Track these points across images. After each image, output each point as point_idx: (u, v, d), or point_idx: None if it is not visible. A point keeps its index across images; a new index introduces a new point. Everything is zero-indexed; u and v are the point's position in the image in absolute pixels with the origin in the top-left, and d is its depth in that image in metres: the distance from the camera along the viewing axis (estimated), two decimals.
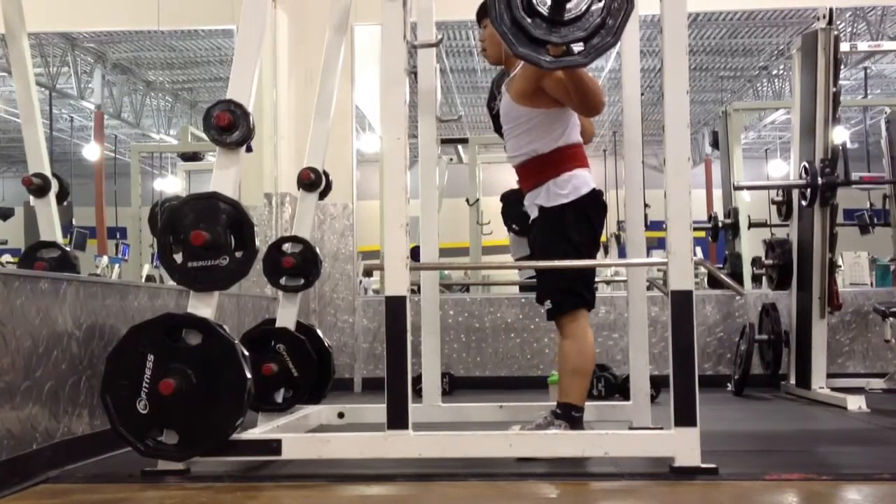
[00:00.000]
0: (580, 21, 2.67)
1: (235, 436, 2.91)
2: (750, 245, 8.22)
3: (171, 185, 11.83)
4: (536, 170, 3.33)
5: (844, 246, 6.89)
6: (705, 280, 8.00)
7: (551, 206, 3.29)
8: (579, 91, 3.12)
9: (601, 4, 2.67)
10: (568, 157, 3.32)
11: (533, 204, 3.37)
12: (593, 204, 3.32)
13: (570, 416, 3.21)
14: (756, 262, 7.06)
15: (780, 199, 5.95)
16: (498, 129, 3.66)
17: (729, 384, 5.97)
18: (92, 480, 2.90)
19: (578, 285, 3.30)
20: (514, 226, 5.68)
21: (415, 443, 2.87)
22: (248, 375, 2.86)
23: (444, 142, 8.82)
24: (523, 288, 6.66)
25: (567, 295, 3.29)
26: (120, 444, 3.02)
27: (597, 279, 7.11)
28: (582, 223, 3.29)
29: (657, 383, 4.27)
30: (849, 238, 7.39)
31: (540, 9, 2.67)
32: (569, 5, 2.66)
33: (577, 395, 3.24)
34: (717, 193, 10.98)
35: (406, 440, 2.85)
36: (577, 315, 3.28)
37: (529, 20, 2.68)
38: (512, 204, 5.53)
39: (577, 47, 2.72)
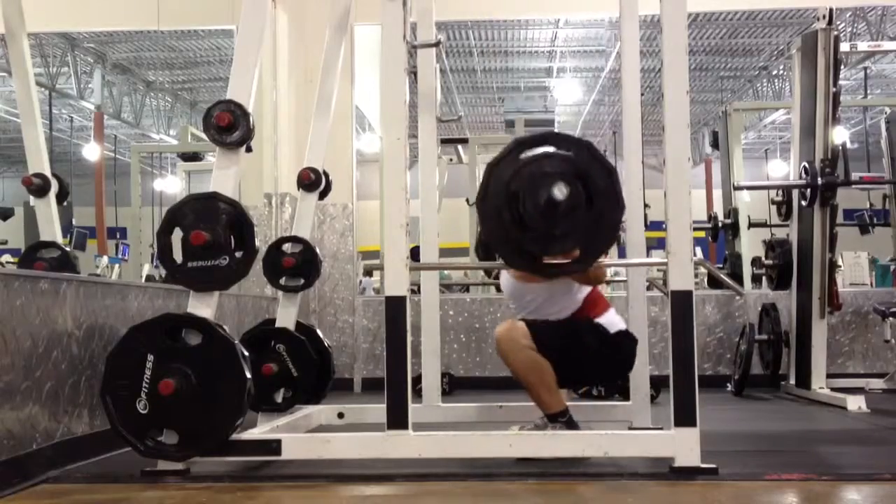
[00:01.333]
0: (573, 233, 2.71)
1: (235, 436, 2.91)
2: (750, 245, 8.22)
3: (171, 185, 11.84)
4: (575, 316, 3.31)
5: (844, 246, 6.90)
6: (705, 280, 7.99)
7: (611, 331, 3.28)
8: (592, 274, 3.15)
9: (592, 212, 2.70)
10: (594, 304, 3.32)
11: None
12: (631, 340, 3.33)
13: (557, 421, 3.22)
14: (756, 262, 7.06)
15: (780, 199, 5.94)
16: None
17: (729, 384, 5.97)
18: (92, 480, 2.90)
19: (564, 365, 3.23)
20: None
21: (415, 443, 2.87)
22: (248, 375, 2.86)
23: (444, 142, 8.83)
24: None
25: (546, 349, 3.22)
26: (120, 444, 3.02)
27: None
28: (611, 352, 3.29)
29: (657, 383, 4.27)
30: (849, 238, 7.39)
31: (533, 225, 2.71)
32: (560, 220, 2.69)
33: (551, 403, 3.22)
34: (717, 193, 10.98)
35: (406, 440, 2.85)
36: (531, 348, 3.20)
37: (524, 237, 2.74)
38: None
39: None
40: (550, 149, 2.77)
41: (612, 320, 3.32)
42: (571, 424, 3.21)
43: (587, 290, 3.35)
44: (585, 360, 3.27)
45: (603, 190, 2.72)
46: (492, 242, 2.78)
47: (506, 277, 3.43)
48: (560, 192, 2.65)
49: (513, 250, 2.77)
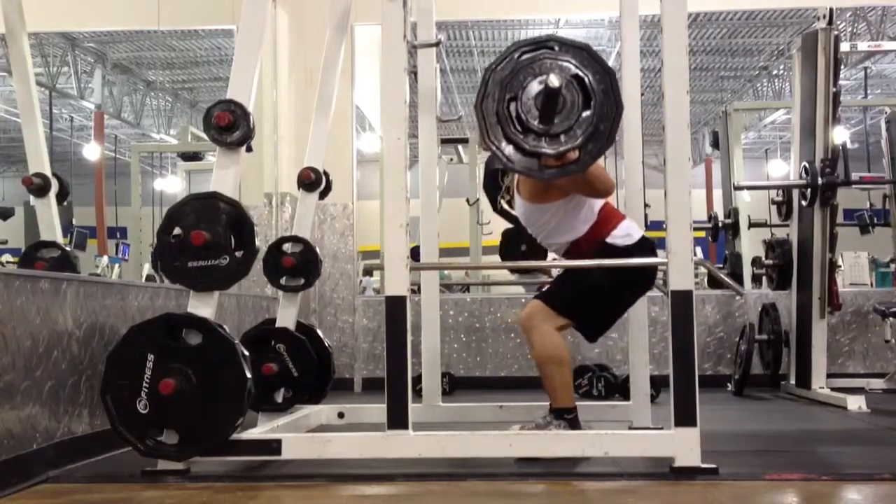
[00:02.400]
0: (572, 131, 2.70)
1: (235, 436, 2.91)
2: (750, 245, 8.22)
3: (171, 184, 11.84)
4: (584, 247, 3.28)
5: (844, 246, 6.89)
6: (705, 280, 7.99)
7: (620, 244, 3.23)
8: (586, 183, 3.11)
9: (591, 111, 2.69)
10: (605, 221, 3.29)
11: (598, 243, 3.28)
12: (647, 248, 3.29)
13: (563, 418, 3.21)
14: (756, 262, 7.06)
15: (780, 199, 5.94)
16: (511, 219, 3.64)
17: (729, 384, 5.97)
18: (92, 480, 2.90)
19: (587, 315, 3.26)
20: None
21: (415, 443, 2.87)
22: (248, 375, 2.86)
23: (444, 142, 8.83)
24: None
25: (571, 308, 3.23)
26: (120, 444, 3.02)
27: None
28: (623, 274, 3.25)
29: (657, 383, 4.27)
30: (849, 238, 7.39)
31: (531, 124, 2.70)
32: (558, 118, 2.69)
33: (562, 398, 3.22)
34: (717, 193, 10.98)
35: (406, 440, 2.85)
36: (550, 324, 3.21)
37: (521, 136, 2.72)
38: (511, 241, 5.56)
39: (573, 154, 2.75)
40: (549, 51, 2.75)
41: (623, 233, 3.26)
42: (575, 424, 3.20)
43: (600, 204, 3.31)
44: (604, 299, 3.24)
45: (602, 90, 2.71)
46: (490, 143, 2.75)
47: (520, 202, 3.38)
48: (556, 81, 2.63)
49: (511, 150, 2.73)
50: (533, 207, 3.31)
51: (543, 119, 2.69)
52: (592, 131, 2.71)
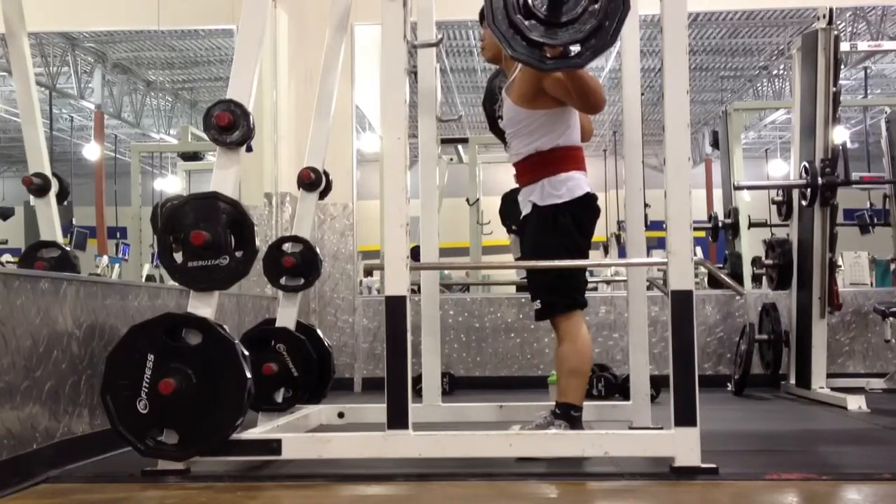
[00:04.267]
0: (577, 23, 2.68)
1: (235, 436, 2.91)
2: (750, 245, 8.22)
3: (171, 184, 11.84)
4: (534, 166, 3.33)
5: (844, 246, 6.89)
6: (705, 280, 7.99)
7: (544, 204, 3.29)
8: (579, 90, 3.12)
9: (597, 6, 2.67)
10: (566, 158, 3.32)
11: (527, 200, 3.37)
12: (585, 207, 3.32)
13: (569, 415, 3.21)
14: (756, 262, 7.06)
15: (780, 199, 5.95)
16: (494, 129, 3.66)
17: (729, 384, 5.97)
18: (92, 480, 2.90)
19: (569, 286, 3.31)
20: (513, 226, 5.67)
21: (415, 443, 2.87)
22: (248, 375, 2.86)
23: (444, 142, 8.81)
24: (520, 288, 6.66)
25: (558, 296, 3.30)
26: (120, 444, 3.02)
27: (597, 279, 7.14)
28: (573, 225, 3.29)
29: (657, 383, 4.27)
30: (849, 238, 7.39)
31: (537, 12, 2.68)
32: (565, 7, 2.67)
33: (576, 395, 3.25)
34: (717, 193, 10.97)
35: (406, 440, 2.85)
36: (571, 316, 3.29)
37: (526, 23, 2.69)
38: (511, 203, 5.53)
39: (575, 48, 2.73)
40: None
41: (561, 188, 3.28)
42: (576, 424, 3.21)
43: (576, 129, 3.35)
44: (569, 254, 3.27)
45: None
46: (495, 29, 2.71)
47: (508, 104, 3.39)
48: None
49: (515, 37, 2.71)
50: (518, 109, 3.33)
51: (550, 8, 2.66)
52: (597, 25, 2.67)
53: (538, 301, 3.33)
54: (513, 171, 3.47)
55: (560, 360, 3.30)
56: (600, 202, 3.42)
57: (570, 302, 3.31)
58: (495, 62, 3.61)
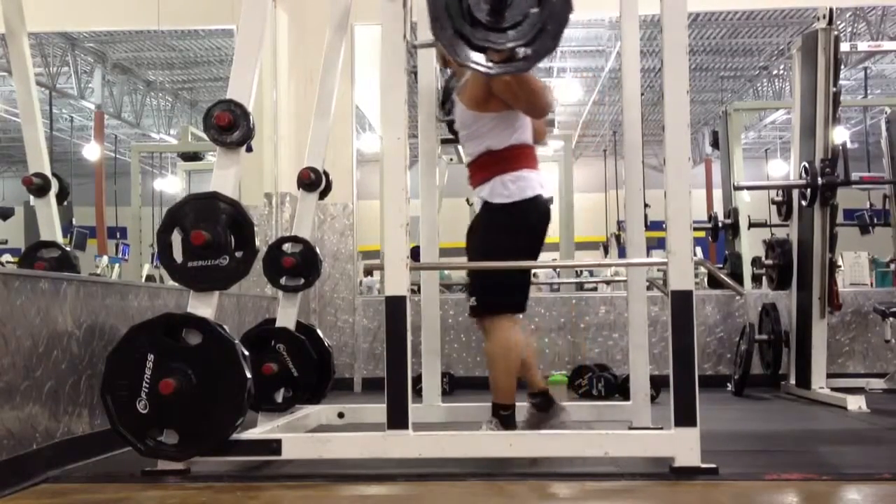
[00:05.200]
0: (520, 27, 2.68)
1: (235, 436, 2.91)
2: (750, 245, 8.22)
3: (171, 184, 11.84)
4: (486, 165, 3.36)
5: (844, 246, 6.89)
6: (705, 280, 8.00)
7: (494, 202, 3.31)
8: (526, 94, 3.18)
9: (539, 10, 2.68)
10: (518, 157, 3.34)
11: (478, 198, 3.40)
12: (535, 208, 3.32)
13: (499, 415, 3.27)
14: (756, 262, 7.06)
15: (780, 199, 5.94)
16: (451, 130, 3.71)
17: (729, 384, 5.97)
18: (92, 480, 2.90)
19: (505, 288, 3.32)
20: None
21: (415, 443, 2.87)
22: (248, 375, 2.86)
23: (444, 142, 8.80)
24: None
25: (491, 296, 3.31)
26: (120, 444, 3.02)
27: (597, 279, 7.12)
28: (520, 226, 3.30)
29: (657, 383, 4.27)
30: (849, 238, 7.39)
31: (480, 17, 2.69)
32: (507, 12, 2.67)
33: (504, 394, 3.29)
34: (717, 193, 10.98)
35: (406, 440, 2.85)
36: (501, 318, 3.30)
37: (470, 28, 2.70)
38: None
39: (520, 52, 2.72)
40: None
41: (511, 187, 3.29)
42: (506, 422, 3.24)
43: (527, 129, 3.37)
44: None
45: None
46: (439, 36, 2.74)
47: (460, 109, 3.42)
48: None
49: (459, 43, 2.72)
50: (469, 113, 3.36)
51: (492, 13, 2.68)
52: (541, 28, 2.68)
53: (473, 298, 3.34)
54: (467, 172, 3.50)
55: (489, 359, 3.35)
56: (600, 202, 3.43)
57: (502, 305, 3.32)
58: (448, 65, 3.67)
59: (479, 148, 3.38)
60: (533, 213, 3.31)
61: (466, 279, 3.62)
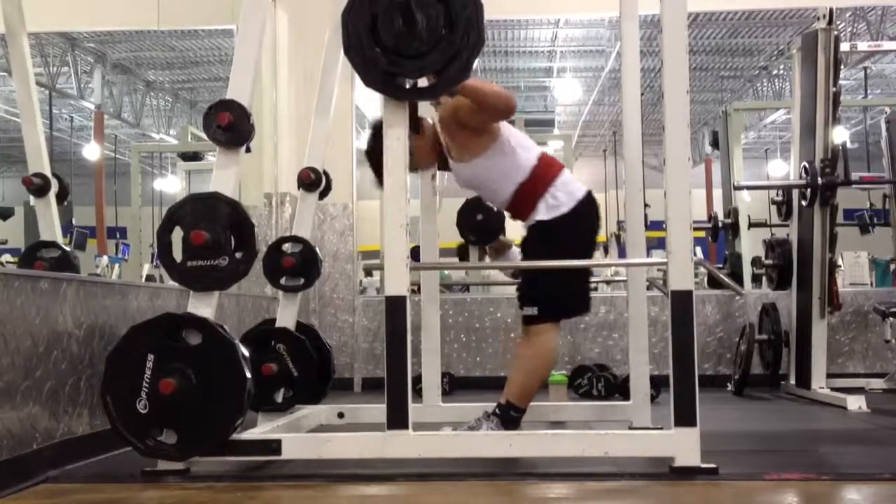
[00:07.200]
0: (431, 54, 2.72)
1: (235, 436, 2.91)
2: (750, 245, 8.22)
3: (171, 184, 11.84)
4: (526, 196, 3.29)
5: (844, 246, 6.90)
6: (705, 280, 8.00)
7: (552, 218, 3.24)
8: (480, 100, 3.15)
9: (450, 38, 2.70)
10: (546, 169, 3.30)
11: (533, 220, 3.29)
12: (589, 205, 3.30)
13: (508, 415, 3.21)
14: (756, 262, 7.06)
15: (780, 199, 5.94)
16: (376, 171, 3.44)
17: (729, 384, 5.97)
18: (92, 480, 2.90)
19: (568, 295, 3.31)
20: (470, 235, 5.75)
21: (415, 443, 2.87)
22: (248, 375, 2.86)
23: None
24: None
25: (555, 303, 3.28)
26: (120, 444, 3.02)
27: (597, 279, 7.14)
28: (585, 228, 3.28)
29: (657, 383, 4.27)
30: (849, 238, 7.40)
31: (390, 43, 2.72)
32: (416, 41, 2.70)
33: (523, 397, 3.25)
34: (717, 193, 10.99)
35: (406, 440, 2.85)
36: (549, 324, 3.27)
37: (382, 55, 2.74)
38: (467, 213, 5.63)
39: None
40: None
41: (555, 201, 3.25)
42: (510, 425, 3.19)
43: (524, 140, 3.33)
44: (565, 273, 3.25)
45: (465, 17, 2.70)
46: (351, 60, 2.76)
47: (458, 168, 3.37)
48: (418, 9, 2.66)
49: (369, 68, 2.76)
50: (465, 166, 3.32)
51: (402, 39, 2.70)
52: (452, 56, 2.71)
53: (534, 308, 3.27)
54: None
55: (523, 359, 3.29)
56: (600, 202, 3.42)
57: (562, 313, 3.33)
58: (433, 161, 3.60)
59: (506, 187, 3.30)
60: (589, 211, 3.28)
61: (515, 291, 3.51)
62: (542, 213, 3.26)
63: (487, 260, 5.82)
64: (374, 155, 3.26)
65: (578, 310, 3.39)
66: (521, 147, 3.31)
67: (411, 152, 3.20)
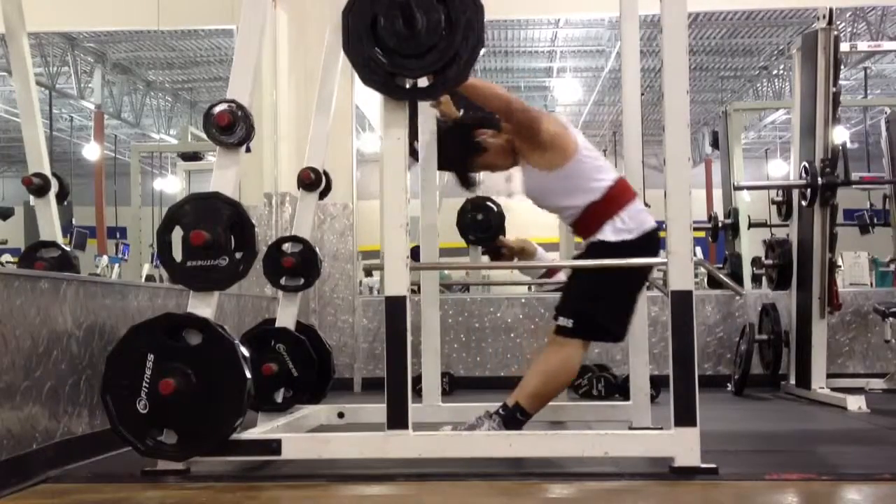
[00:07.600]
0: (429, 55, 2.72)
1: (235, 436, 2.91)
2: (750, 245, 8.22)
3: (171, 184, 11.84)
4: (595, 215, 3.25)
5: (844, 246, 6.90)
6: (705, 280, 8.00)
7: (615, 241, 3.20)
8: (480, 103, 3.17)
9: (450, 39, 2.70)
10: (620, 193, 3.27)
11: (594, 238, 3.26)
12: (655, 240, 3.25)
13: (513, 417, 3.15)
14: (756, 262, 7.06)
15: (780, 199, 5.94)
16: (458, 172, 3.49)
17: (729, 384, 5.97)
18: (92, 480, 2.91)
19: (610, 318, 3.26)
20: (470, 236, 5.75)
21: (415, 443, 2.87)
22: (248, 375, 2.86)
23: None
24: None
25: (591, 323, 3.22)
26: (120, 444, 3.02)
27: None
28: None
29: (657, 383, 4.27)
30: (849, 238, 7.40)
31: (390, 43, 2.72)
32: (415, 42, 2.70)
33: (536, 402, 3.20)
34: (717, 193, 10.98)
35: (406, 440, 2.85)
36: (583, 343, 3.24)
37: (382, 55, 2.74)
38: (467, 213, 5.65)
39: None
40: None
41: (623, 225, 3.21)
42: (511, 426, 3.14)
43: (608, 176, 3.27)
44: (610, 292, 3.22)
45: (465, 18, 2.71)
46: (352, 59, 2.76)
47: (535, 174, 3.30)
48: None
49: (369, 68, 2.76)
50: (543, 176, 3.26)
51: (402, 39, 2.70)
52: (452, 56, 2.71)
53: (571, 320, 3.21)
54: (515, 175, 3.42)
55: (544, 364, 3.23)
56: None
57: (609, 331, 3.29)
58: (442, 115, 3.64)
59: (575, 203, 3.26)
60: (651, 246, 3.23)
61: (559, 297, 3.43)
62: (608, 233, 3.22)
63: (486, 260, 5.84)
64: (455, 155, 3.37)
65: (613, 336, 3.34)
66: (598, 170, 3.27)
67: (486, 149, 3.31)
